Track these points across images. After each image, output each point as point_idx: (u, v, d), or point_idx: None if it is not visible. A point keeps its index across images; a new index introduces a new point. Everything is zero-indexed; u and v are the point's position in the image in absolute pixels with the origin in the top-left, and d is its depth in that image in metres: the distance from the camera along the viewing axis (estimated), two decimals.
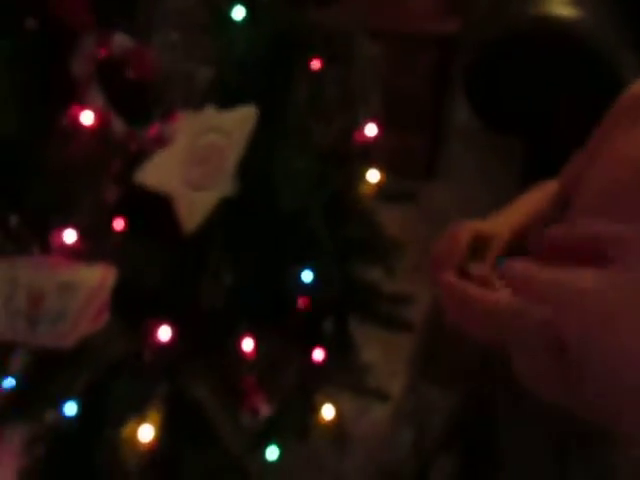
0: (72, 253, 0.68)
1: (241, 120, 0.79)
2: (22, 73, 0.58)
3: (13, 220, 0.59)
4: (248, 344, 0.85)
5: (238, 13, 0.76)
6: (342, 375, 1.18)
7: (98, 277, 0.60)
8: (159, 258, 0.79)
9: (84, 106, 0.57)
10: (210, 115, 0.74)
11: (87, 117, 0.61)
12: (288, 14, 0.85)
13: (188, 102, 0.67)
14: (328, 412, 1.17)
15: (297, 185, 0.86)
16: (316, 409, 1.15)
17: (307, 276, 0.92)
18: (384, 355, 1.48)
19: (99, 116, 0.57)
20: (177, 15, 0.62)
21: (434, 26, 2.14)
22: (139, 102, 0.61)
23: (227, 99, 0.78)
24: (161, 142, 0.59)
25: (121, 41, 0.53)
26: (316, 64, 0.96)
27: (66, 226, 0.67)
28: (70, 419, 0.91)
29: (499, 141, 2.06)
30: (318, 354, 1.10)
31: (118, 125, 0.58)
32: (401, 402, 1.55)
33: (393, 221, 1.17)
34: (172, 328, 0.83)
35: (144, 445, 0.91)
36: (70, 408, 0.91)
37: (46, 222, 0.65)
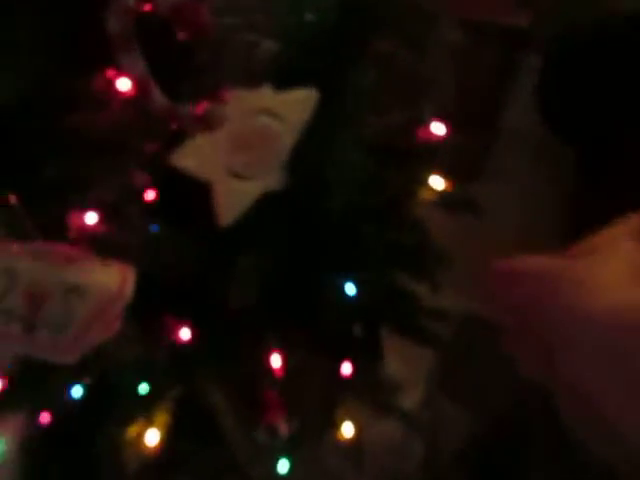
0: (90, 239, 0.58)
1: (300, 103, 0.68)
2: (46, 25, 0.48)
3: (12, 199, 0.49)
4: (277, 360, 0.76)
5: None
6: (367, 391, 1.09)
7: (116, 281, 0.50)
8: (186, 250, 0.69)
9: (120, 71, 0.47)
10: (265, 95, 0.63)
11: (123, 84, 0.51)
12: None
13: (243, 78, 0.56)
14: (348, 430, 1.09)
15: (352, 183, 0.75)
16: (336, 425, 1.07)
17: (350, 289, 0.81)
18: (401, 365, 1.42)
19: (137, 84, 0.47)
20: None
21: (501, 17, 1.99)
22: (186, 72, 0.50)
23: (285, 77, 0.67)
24: (208, 125, 0.49)
25: None
26: (387, 45, 0.84)
27: (86, 208, 0.58)
28: (75, 401, 0.83)
29: (556, 148, 1.93)
30: (347, 367, 1.00)
31: (158, 97, 0.48)
32: (415, 414, 1.51)
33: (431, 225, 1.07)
34: (192, 329, 0.74)
35: (148, 448, 0.83)
36: (76, 390, 0.84)
37: (61, 202, 0.55)
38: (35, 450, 0.91)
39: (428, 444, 1.46)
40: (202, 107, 0.48)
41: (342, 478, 1.30)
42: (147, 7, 0.42)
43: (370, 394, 1.10)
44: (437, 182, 0.90)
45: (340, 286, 0.82)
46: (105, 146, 0.55)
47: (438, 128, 0.93)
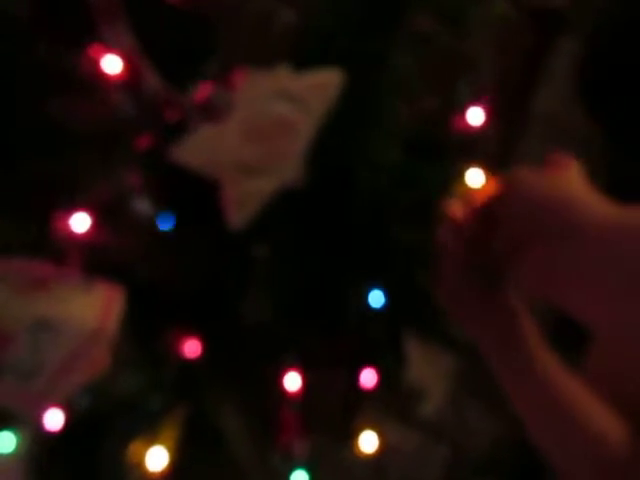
0: (81, 246, 0.50)
1: (323, 87, 0.59)
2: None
3: None
4: (294, 381, 0.67)
5: None
6: (389, 399, 1.01)
7: (97, 313, 0.40)
8: (195, 257, 0.61)
9: (107, 48, 0.38)
10: (283, 76, 0.54)
11: (111, 64, 0.42)
12: None
13: (257, 55, 0.47)
14: (369, 439, 1.01)
15: (380, 180, 0.66)
16: (357, 435, 0.99)
17: (376, 299, 0.72)
18: (423, 370, 1.36)
19: (126, 64, 0.38)
20: None
21: None
22: (186, 49, 0.41)
23: (307, 57, 0.58)
24: (213, 113, 0.40)
25: None
26: (423, 24, 0.74)
27: (76, 210, 0.49)
28: (80, 409, 0.76)
29: (590, 137, 1.82)
30: (367, 376, 0.92)
31: (153, 80, 0.39)
32: (438, 419, 1.45)
33: None
34: (201, 343, 0.66)
35: (152, 470, 0.76)
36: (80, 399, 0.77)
37: (45, 205, 0.47)
38: (40, 460, 0.85)
39: (453, 449, 1.41)
40: (206, 92, 0.39)
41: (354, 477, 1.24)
42: None
43: (392, 402, 1.02)
44: (475, 176, 0.80)
45: (365, 294, 0.73)
46: (93, 139, 0.46)
47: (476, 116, 0.84)
